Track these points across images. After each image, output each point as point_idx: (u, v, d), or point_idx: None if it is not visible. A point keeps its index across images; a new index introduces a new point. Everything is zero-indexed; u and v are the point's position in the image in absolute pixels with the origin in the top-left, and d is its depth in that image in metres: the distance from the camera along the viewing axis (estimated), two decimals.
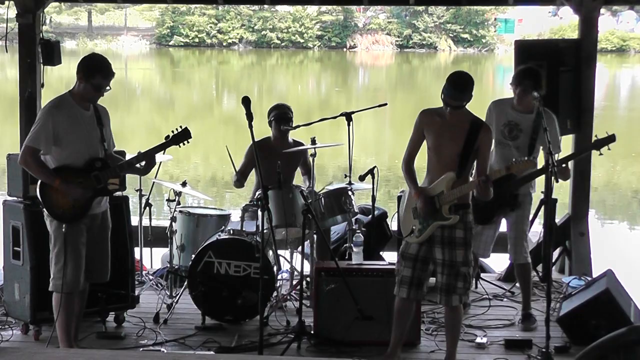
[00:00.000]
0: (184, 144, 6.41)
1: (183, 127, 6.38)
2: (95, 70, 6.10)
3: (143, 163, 6.41)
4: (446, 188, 5.99)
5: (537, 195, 6.97)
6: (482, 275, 8.17)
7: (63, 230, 6.06)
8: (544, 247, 6.85)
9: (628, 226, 14.96)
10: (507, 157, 6.80)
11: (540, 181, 6.75)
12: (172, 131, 6.38)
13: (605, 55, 50.57)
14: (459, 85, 5.97)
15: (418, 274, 6.08)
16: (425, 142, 6.14)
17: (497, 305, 7.62)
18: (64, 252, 6.07)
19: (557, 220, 8.12)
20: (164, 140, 6.39)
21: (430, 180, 6.13)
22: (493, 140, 6.78)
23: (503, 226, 7.30)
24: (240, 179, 7.98)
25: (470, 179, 6.13)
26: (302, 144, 7.96)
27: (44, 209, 6.15)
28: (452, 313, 6.17)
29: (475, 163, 6.09)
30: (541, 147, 6.88)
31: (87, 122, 6.17)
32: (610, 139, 6.80)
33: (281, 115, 7.96)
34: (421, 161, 6.21)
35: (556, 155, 6.53)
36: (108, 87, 6.16)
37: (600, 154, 6.82)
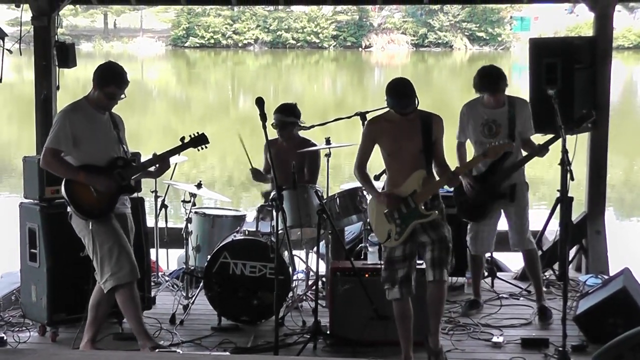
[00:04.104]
0: (202, 148, 6.53)
1: (200, 133, 6.52)
2: (110, 80, 6.21)
3: (157, 165, 6.50)
4: (418, 186, 6.04)
5: (552, 193, 6.96)
6: (498, 274, 8.15)
7: (90, 227, 6.11)
8: (560, 246, 6.81)
9: None
10: None
11: (553, 179, 6.79)
12: (190, 135, 6.51)
13: (622, 52, 50.31)
14: (402, 93, 6.01)
15: (407, 271, 6.11)
16: (379, 150, 6.21)
17: (514, 304, 7.60)
18: (112, 247, 6.13)
19: (573, 219, 8.07)
20: (180, 143, 6.50)
21: (393, 184, 6.16)
22: (473, 141, 7.09)
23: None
24: (259, 175, 7.98)
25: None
26: (310, 142, 7.91)
27: (71, 208, 6.18)
28: (441, 287, 6.10)
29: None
30: (520, 133, 7.02)
31: (104, 125, 6.28)
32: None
33: (280, 125, 7.88)
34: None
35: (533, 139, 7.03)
36: (123, 96, 6.27)
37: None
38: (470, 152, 7.19)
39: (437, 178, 6.19)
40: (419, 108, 6.15)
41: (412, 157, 6.06)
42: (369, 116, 7.61)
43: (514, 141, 6.90)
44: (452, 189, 7.40)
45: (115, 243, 6.16)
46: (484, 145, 6.94)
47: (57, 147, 6.15)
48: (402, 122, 6.08)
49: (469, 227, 7.37)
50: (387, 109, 6.20)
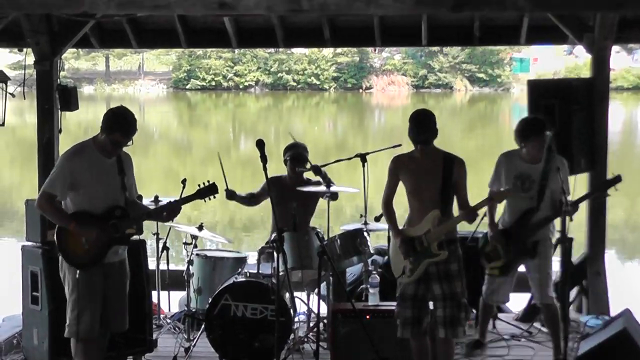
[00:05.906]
0: (209, 199, 6.41)
1: (211, 183, 6.41)
2: (116, 127, 6.07)
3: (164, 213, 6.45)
4: (432, 226, 6.12)
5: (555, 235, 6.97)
6: (500, 315, 8.14)
7: (77, 276, 6.03)
8: (560, 287, 6.81)
9: None
10: (520, 207, 6.86)
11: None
12: (199, 185, 6.38)
13: (621, 93, 50.47)
14: (421, 122, 6.19)
15: (417, 313, 6.20)
16: (403, 186, 6.32)
17: (515, 345, 7.59)
18: (79, 299, 6.05)
19: (573, 260, 8.08)
20: (190, 194, 6.42)
21: (411, 222, 6.28)
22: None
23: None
24: (250, 199, 8.04)
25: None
26: (318, 184, 7.97)
27: (60, 255, 6.16)
28: (451, 344, 6.27)
29: (455, 197, 6.24)
30: (551, 192, 6.87)
31: (108, 170, 6.17)
32: (616, 179, 7.00)
33: (296, 156, 8.00)
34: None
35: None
36: (130, 143, 6.15)
37: (608, 195, 6.89)
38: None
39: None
40: (443, 150, 6.25)
41: (431, 197, 6.16)
42: (371, 157, 7.71)
43: (542, 198, 6.84)
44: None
45: (85, 297, 6.05)
46: (515, 198, 6.91)
47: (52, 192, 6.08)
48: (424, 162, 6.20)
49: (486, 277, 7.29)
50: (412, 149, 6.32)
